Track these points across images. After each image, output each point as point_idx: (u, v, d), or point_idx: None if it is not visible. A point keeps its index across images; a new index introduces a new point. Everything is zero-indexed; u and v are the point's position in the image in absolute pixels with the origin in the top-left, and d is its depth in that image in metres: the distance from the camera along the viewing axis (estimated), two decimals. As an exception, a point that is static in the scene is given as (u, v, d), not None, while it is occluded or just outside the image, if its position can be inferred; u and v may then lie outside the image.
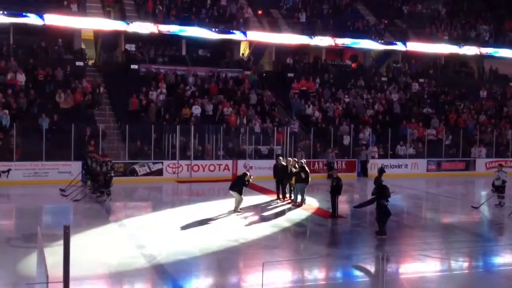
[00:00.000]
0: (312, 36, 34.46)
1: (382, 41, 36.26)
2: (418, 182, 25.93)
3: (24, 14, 28.16)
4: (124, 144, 24.08)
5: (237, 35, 32.84)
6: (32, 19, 28.34)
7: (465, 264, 12.43)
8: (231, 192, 16.77)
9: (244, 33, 32.84)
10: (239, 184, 16.73)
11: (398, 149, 28.32)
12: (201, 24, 31.86)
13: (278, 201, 19.16)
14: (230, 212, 16.62)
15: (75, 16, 29.65)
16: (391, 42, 36.66)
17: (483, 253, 13.35)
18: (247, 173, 17.45)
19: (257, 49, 35.30)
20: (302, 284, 10.62)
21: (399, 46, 36.74)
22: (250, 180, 17.04)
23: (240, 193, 16.58)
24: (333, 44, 35.21)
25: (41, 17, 28.44)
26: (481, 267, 12.01)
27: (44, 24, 28.65)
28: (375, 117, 30.47)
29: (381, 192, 14.08)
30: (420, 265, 12.17)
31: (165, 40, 32.36)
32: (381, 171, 15.67)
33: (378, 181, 14.60)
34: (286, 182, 19.17)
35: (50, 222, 15.78)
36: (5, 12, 27.85)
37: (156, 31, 30.97)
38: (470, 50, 38.25)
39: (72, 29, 30.02)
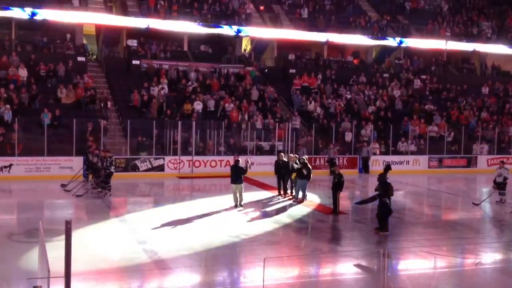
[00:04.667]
0: (314, 32, 34.38)
1: (384, 37, 36.14)
2: (420, 179, 25.95)
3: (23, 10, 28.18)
4: (125, 140, 24.09)
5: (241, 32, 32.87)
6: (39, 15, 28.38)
7: (466, 261, 12.42)
8: (234, 185, 16.77)
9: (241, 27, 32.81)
10: (239, 174, 16.73)
11: (400, 145, 28.29)
12: (203, 19, 31.81)
13: (279, 197, 19.19)
14: (231, 208, 16.66)
15: (77, 11, 29.62)
16: (393, 38, 36.58)
17: (484, 250, 13.33)
18: (239, 159, 17.52)
19: (259, 45, 35.26)
20: (303, 280, 10.61)
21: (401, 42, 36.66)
22: (248, 166, 17.12)
23: (242, 182, 16.68)
24: (335, 40, 35.15)
25: (39, 8, 28.42)
26: (482, 264, 11.99)
27: (45, 19, 28.64)
28: (377, 114, 30.44)
29: (385, 190, 14.05)
30: (421, 261, 12.17)
31: (166, 35, 32.31)
32: (387, 168, 15.62)
33: (382, 178, 14.53)
34: (287, 178, 19.18)
35: (52, 217, 15.77)
36: (7, 7, 27.84)
37: (158, 27, 30.94)
38: (472, 47, 38.13)
39: (73, 24, 30.02)
